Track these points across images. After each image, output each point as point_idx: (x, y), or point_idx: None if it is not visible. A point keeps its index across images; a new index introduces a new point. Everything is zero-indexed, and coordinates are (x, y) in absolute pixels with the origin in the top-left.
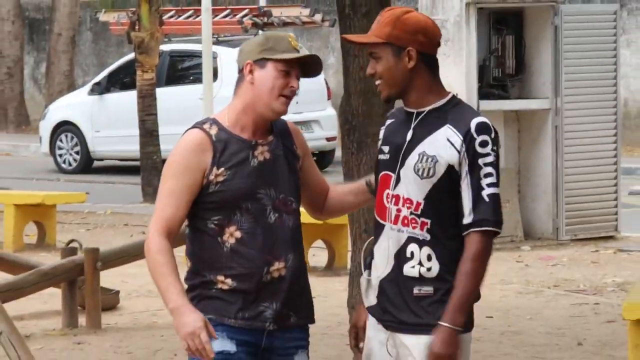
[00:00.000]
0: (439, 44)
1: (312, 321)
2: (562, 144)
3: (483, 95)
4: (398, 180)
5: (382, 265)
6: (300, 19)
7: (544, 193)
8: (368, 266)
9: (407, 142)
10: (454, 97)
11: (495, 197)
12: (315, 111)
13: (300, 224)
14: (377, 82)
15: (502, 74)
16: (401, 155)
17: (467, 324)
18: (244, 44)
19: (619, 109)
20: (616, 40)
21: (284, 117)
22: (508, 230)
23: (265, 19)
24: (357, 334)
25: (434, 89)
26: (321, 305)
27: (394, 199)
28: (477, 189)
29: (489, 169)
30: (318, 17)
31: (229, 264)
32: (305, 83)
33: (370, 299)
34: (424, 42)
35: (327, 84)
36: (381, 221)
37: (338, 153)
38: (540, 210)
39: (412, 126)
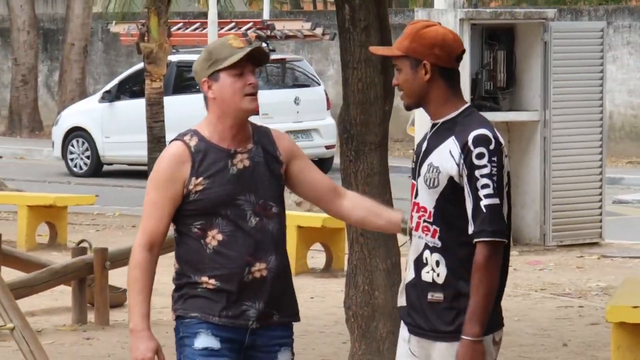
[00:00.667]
0: (458, 58)
1: (297, 319)
2: (550, 154)
3: (476, 107)
4: (417, 188)
5: (408, 270)
6: (301, 32)
7: (532, 201)
8: None
9: (422, 153)
10: (467, 108)
11: (492, 207)
12: (315, 120)
13: (283, 227)
14: (400, 92)
15: (493, 87)
16: (417, 165)
17: (485, 328)
18: (194, 64)
19: (604, 122)
20: (603, 56)
21: (268, 125)
22: None
23: (269, 32)
24: None
25: (450, 101)
26: (319, 305)
27: (416, 207)
28: (475, 200)
29: (486, 180)
30: (319, 30)
31: (212, 265)
32: (305, 93)
33: (402, 300)
34: (441, 56)
35: (326, 94)
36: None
37: (337, 160)
38: (529, 217)
39: (427, 137)
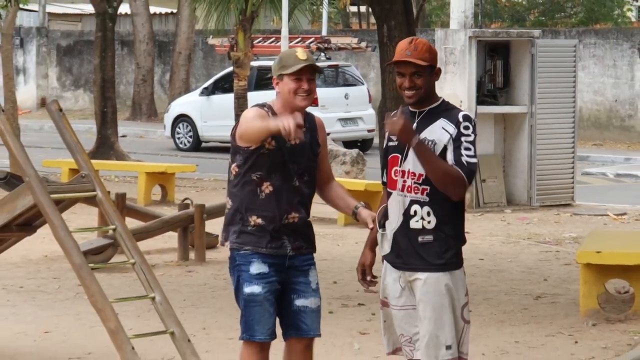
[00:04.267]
0: None
1: (315, 251)
2: (535, 137)
3: (480, 102)
4: (405, 158)
5: (394, 221)
6: (350, 45)
7: (521, 172)
8: (382, 225)
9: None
10: (443, 100)
11: (472, 164)
12: (360, 110)
13: (313, 192)
14: (414, 92)
15: (493, 87)
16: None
17: (458, 263)
18: (273, 64)
19: (576, 114)
20: (575, 66)
21: (325, 114)
22: (495, 198)
23: (326, 45)
24: (364, 270)
25: (434, 95)
26: (360, 251)
27: (401, 173)
28: (458, 155)
29: (469, 145)
30: (363, 44)
31: (261, 207)
32: (353, 91)
33: (385, 248)
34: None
35: (369, 91)
36: (390, 190)
37: (376, 141)
38: (519, 184)
39: (417, 120)
